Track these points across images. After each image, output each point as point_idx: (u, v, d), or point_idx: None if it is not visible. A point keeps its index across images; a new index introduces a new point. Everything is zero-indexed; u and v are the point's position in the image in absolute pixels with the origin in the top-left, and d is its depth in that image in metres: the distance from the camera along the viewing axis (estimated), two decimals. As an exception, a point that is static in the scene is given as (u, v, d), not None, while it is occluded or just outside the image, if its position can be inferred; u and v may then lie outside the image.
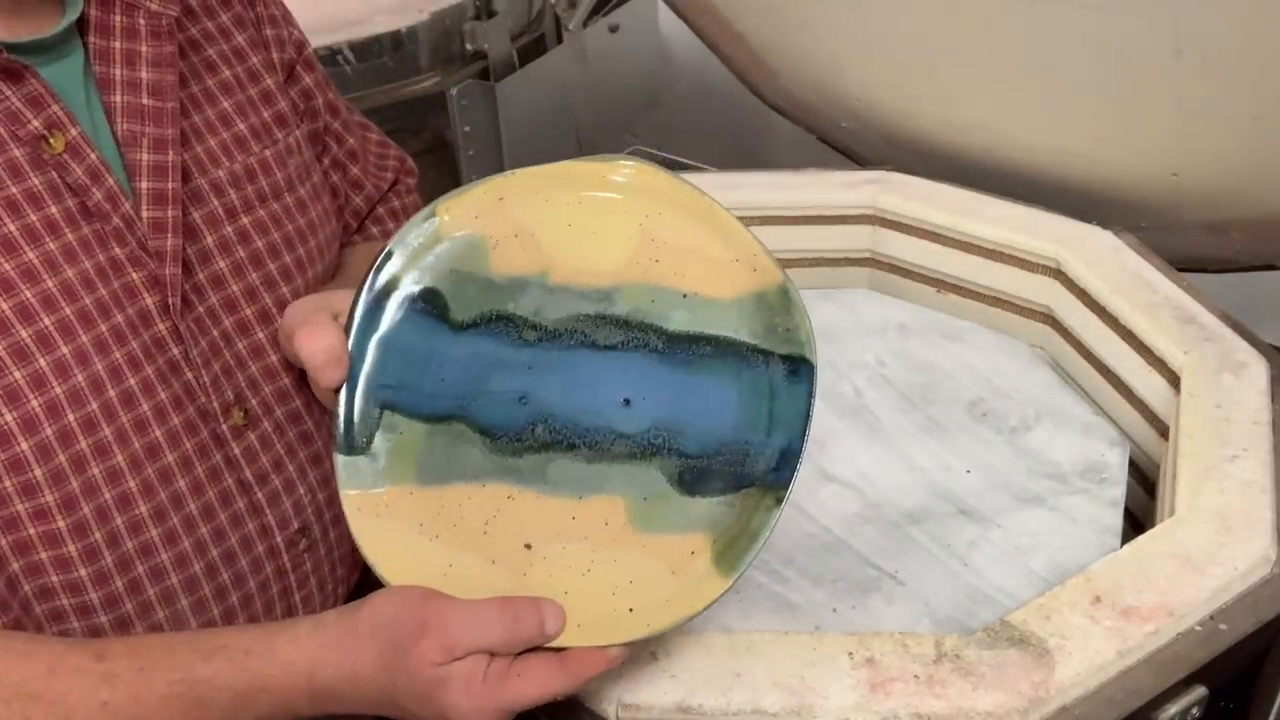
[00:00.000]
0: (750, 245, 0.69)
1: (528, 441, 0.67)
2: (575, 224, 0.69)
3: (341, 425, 0.66)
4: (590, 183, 0.69)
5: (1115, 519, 0.85)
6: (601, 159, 0.70)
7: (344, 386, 0.66)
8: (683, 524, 0.65)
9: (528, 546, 0.66)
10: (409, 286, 0.68)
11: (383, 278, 0.67)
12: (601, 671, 0.62)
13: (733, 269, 0.68)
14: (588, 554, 0.65)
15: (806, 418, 0.65)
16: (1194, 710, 0.68)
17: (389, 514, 0.65)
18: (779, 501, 0.64)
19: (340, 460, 0.65)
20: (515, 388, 0.68)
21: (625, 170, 0.70)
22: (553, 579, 0.64)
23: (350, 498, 0.65)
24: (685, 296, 0.68)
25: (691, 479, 0.66)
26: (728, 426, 0.66)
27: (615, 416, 0.67)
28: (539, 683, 0.61)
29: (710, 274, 0.69)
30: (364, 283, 0.67)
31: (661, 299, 0.68)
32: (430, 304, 0.68)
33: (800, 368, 0.66)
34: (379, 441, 0.66)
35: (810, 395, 0.66)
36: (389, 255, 0.67)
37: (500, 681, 0.60)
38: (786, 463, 0.65)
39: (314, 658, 0.61)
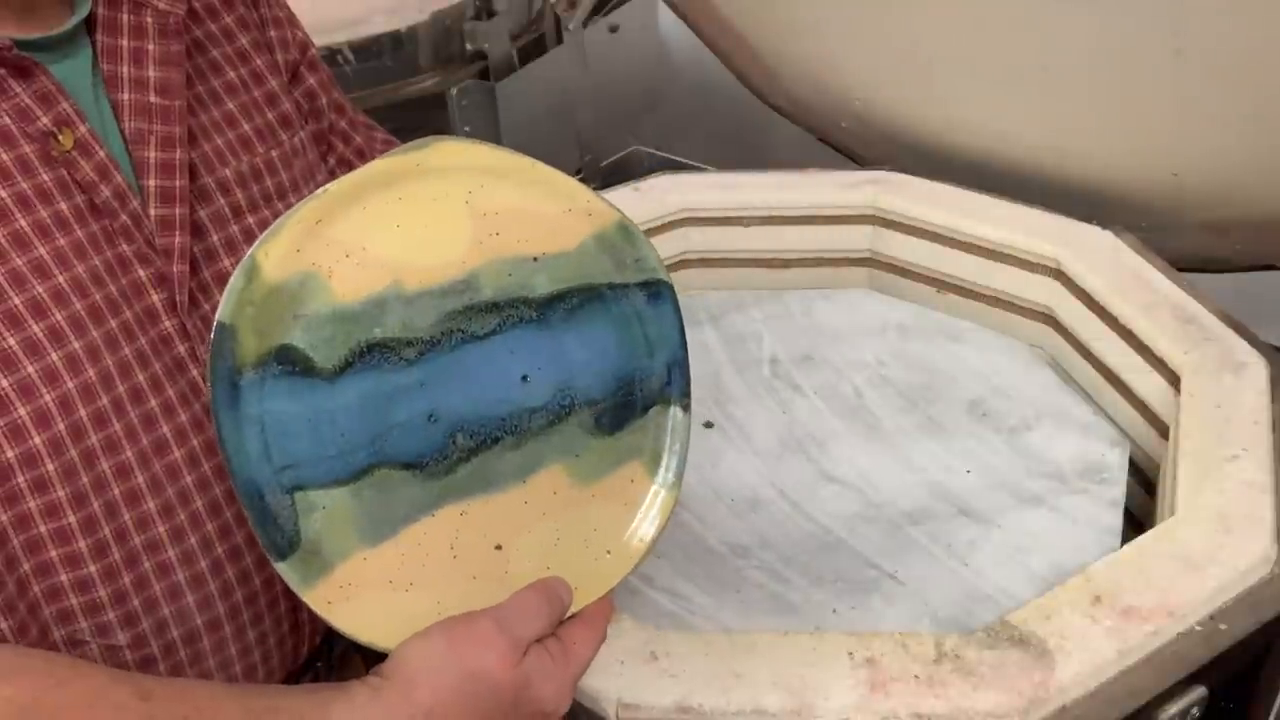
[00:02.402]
0: (579, 192, 0.69)
1: (454, 456, 0.66)
2: (404, 223, 0.65)
3: (262, 534, 0.61)
4: (403, 176, 0.65)
5: (1115, 519, 0.85)
6: (406, 148, 0.66)
7: (241, 492, 0.61)
8: (615, 461, 0.70)
9: (498, 548, 0.67)
10: (259, 353, 0.62)
11: (225, 358, 0.60)
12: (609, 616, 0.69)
13: (568, 219, 0.68)
14: (552, 527, 0.68)
15: (679, 330, 0.70)
16: (1194, 710, 0.68)
17: (355, 590, 0.63)
18: (686, 409, 0.71)
19: (281, 568, 0.62)
20: (419, 410, 0.65)
21: (433, 152, 0.66)
22: (532, 564, 0.67)
23: (313, 597, 0.62)
24: (536, 260, 0.67)
25: (607, 421, 0.69)
26: (616, 362, 0.70)
27: (521, 396, 0.67)
28: (587, 644, 0.66)
29: (550, 230, 0.68)
30: (208, 371, 0.60)
31: (518, 270, 0.67)
32: (290, 363, 0.62)
33: (658, 289, 0.70)
34: (306, 528, 0.62)
35: (676, 310, 0.70)
36: (221, 330, 0.60)
37: (565, 657, 0.64)
38: (676, 374, 0.70)
39: None
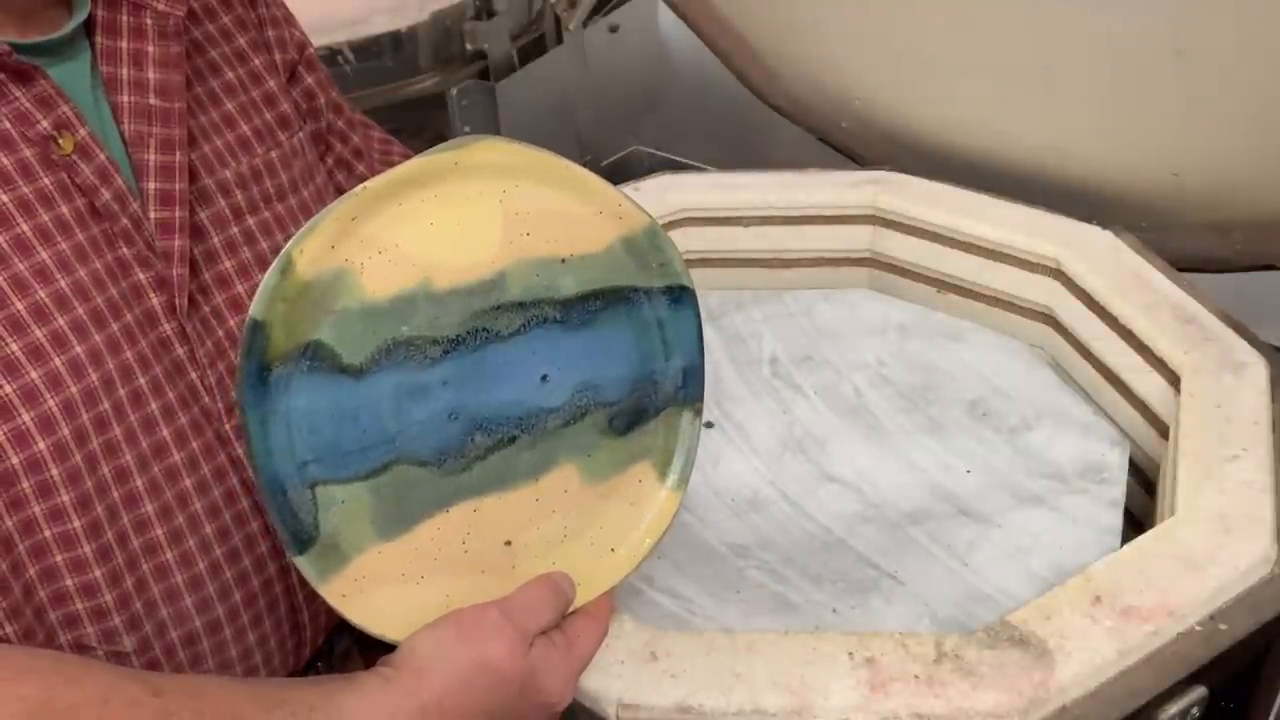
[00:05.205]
0: (610, 195, 0.68)
1: (471, 454, 0.66)
2: (438, 221, 0.64)
3: (283, 528, 0.62)
4: (440, 175, 0.65)
5: (1115, 519, 0.85)
6: (445, 146, 0.65)
7: (265, 487, 0.61)
8: (625, 461, 0.71)
9: (507, 543, 0.67)
10: (288, 349, 0.61)
11: (255, 353, 0.60)
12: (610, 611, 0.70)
13: (598, 221, 0.68)
14: (559, 524, 0.69)
15: (698, 336, 0.71)
16: (1194, 710, 0.68)
17: (370, 582, 0.64)
18: (697, 413, 0.72)
19: (300, 562, 0.62)
20: (440, 408, 0.65)
21: (471, 151, 0.65)
22: (539, 560, 0.68)
23: (329, 590, 0.63)
24: (564, 261, 0.67)
25: (620, 422, 0.70)
26: (633, 365, 0.70)
27: (539, 396, 0.67)
28: (590, 637, 0.67)
29: (580, 232, 0.68)
30: (240, 365, 0.60)
31: (545, 270, 0.67)
32: (318, 359, 0.62)
33: (680, 294, 0.71)
34: (325, 522, 0.63)
35: (696, 315, 0.71)
36: (254, 326, 0.60)
37: (569, 649, 0.65)
38: (690, 379, 0.72)
39: (388, 712, 0.60)
